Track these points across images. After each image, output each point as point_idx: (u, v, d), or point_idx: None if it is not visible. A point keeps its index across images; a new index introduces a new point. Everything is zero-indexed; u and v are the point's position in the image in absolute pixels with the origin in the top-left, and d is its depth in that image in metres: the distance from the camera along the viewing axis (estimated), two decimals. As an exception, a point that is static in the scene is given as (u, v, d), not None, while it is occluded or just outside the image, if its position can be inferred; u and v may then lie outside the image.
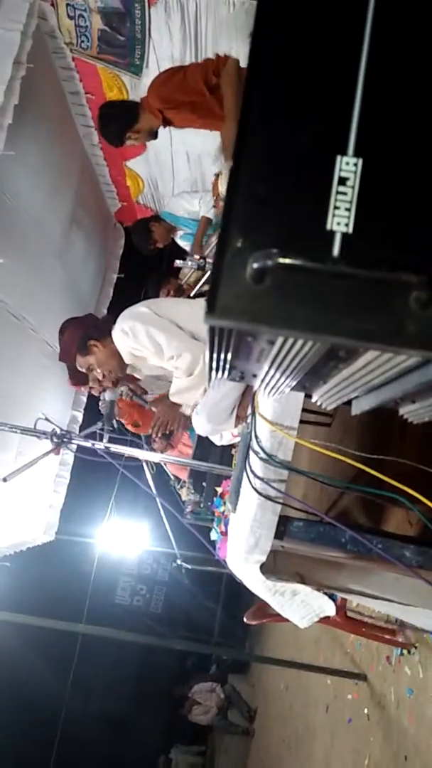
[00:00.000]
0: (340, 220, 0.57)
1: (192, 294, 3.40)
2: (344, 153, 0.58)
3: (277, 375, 0.81)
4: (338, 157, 0.58)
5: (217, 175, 2.98)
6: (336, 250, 0.56)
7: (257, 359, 0.78)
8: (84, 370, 2.70)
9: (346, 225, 0.57)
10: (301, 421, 1.75)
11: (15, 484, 2.51)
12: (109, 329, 2.53)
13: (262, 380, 0.87)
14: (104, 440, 2.45)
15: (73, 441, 2.27)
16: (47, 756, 8.78)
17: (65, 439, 2.24)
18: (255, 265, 0.54)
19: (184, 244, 4.38)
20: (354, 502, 3.65)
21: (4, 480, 2.09)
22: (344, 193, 0.58)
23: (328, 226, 0.57)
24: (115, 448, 2.36)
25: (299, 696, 5.80)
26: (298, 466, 1.80)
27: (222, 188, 2.87)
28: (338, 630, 4.14)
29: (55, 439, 2.22)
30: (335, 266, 0.55)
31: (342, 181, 0.58)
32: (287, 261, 0.54)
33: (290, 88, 0.59)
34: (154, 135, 3.03)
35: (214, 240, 3.45)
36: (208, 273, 3.09)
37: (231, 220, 0.57)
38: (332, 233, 0.57)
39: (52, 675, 8.93)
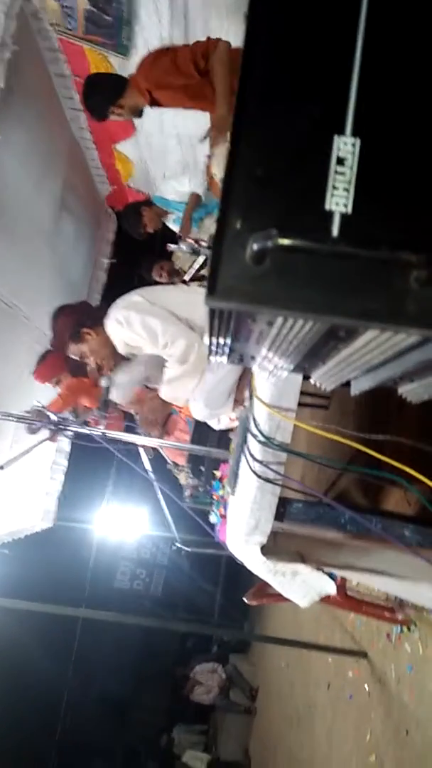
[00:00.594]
0: (339, 200, 0.57)
1: (187, 278, 3.38)
2: (342, 133, 0.58)
3: (276, 356, 0.80)
4: (336, 137, 0.57)
5: (210, 156, 2.94)
6: (335, 230, 0.56)
7: (256, 341, 0.78)
8: (76, 358, 2.69)
9: (345, 205, 0.56)
10: (299, 404, 1.75)
11: (12, 472, 2.52)
12: (103, 316, 2.51)
13: (261, 362, 0.87)
14: (101, 426, 2.45)
15: (69, 428, 2.27)
16: (51, 737, 8.91)
17: (61, 427, 2.23)
18: (255, 246, 0.54)
19: (177, 228, 4.35)
20: (352, 482, 3.66)
21: (1, 468, 2.09)
22: (342, 173, 0.57)
23: (327, 206, 0.56)
24: (112, 434, 2.36)
25: (300, 674, 5.88)
26: (296, 447, 1.80)
27: (215, 168, 2.83)
28: (338, 609, 4.19)
29: (51, 427, 2.22)
30: (335, 246, 0.55)
31: (340, 161, 0.57)
32: (287, 242, 0.53)
33: (287, 68, 0.58)
34: (138, 113, 2.99)
35: (208, 223, 3.42)
36: (202, 257, 3.07)
37: (230, 202, 0.56)
38: (331, 213, 0.56)
39: (53, 659, 9.02)
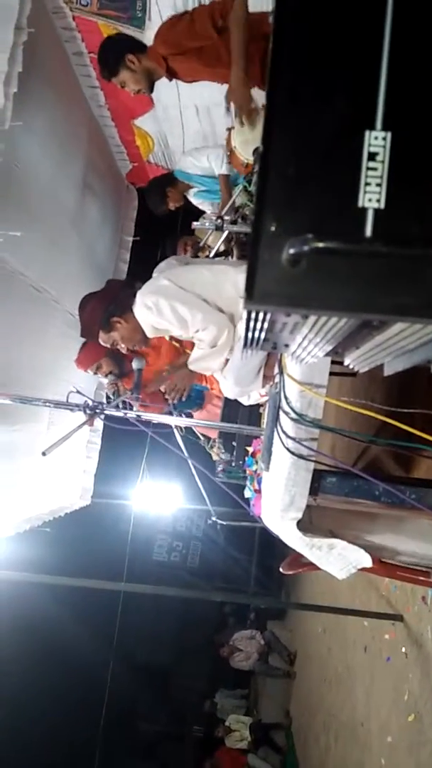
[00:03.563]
0: (372, 196, 0.57)
1: (211, 254, 3.37)
2: (372, 128, 0.58)
3: (311, 345, 0.82)
4: (367, 132, 0.58)
5: (230, 130, 2.90)
6: (369, 230, 0.56)
7: (290, 331, 0.79)
8: (108, 346, 2.72)
9: (378, 201, 0.57)
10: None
11: (52, 455, 2.58)
12: (131, 303, 2.51)
13: (295, 350, 0.89)
14: (134, 408, 2.49)
15: (105, 411, 2.32)
16: (98, 706, 9.24)
17: (97, 411, 2.28)
18: (291, 251, 0.55)
19: (198, 202, 4.32)
20: (383, 450, 3.67)
21: (43, 454, 2.15)
22: (374, 169, 0.57)
23: (360, 203, 0.57)
24: (146, 415, 2.41)
25: (337, 638, 5.97)
26: (325, 417, 1.81)
27: (235, 142, 2.80)
28: (372, 574, 4.22)
29: (88, 411, 2.27)
30: (369, 246, 0.56)
31: (372, 156, 0.57)
32: (323, 245, 0.54)
33: (315, 66, 0.59)
34: (150, 84, 2.92)
35: (233, 196, 3.38)
36: (226, 232, 3.06)
37: (263, 204, 0.57)
38: (364, 210, 0.57)
39: (97, 632, 9.32)
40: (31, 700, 8.98)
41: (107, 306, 2.60)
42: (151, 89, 2.96)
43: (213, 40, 2.69)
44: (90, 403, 2.28)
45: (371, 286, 0.56)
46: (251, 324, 0.68)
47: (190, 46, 2.74)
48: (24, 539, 4.61)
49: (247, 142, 2.69)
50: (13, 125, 3.01)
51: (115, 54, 2.84)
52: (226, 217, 3.04)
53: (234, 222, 2.99)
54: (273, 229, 0.57)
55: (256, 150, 2.58)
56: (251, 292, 0.56)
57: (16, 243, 3.33)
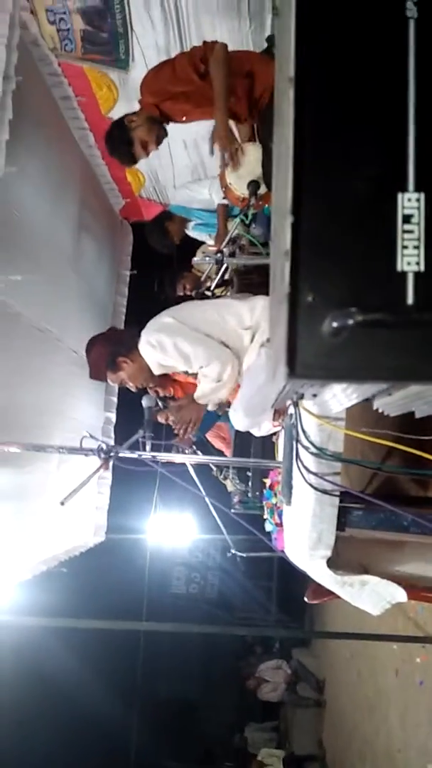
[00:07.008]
0: (410, 259, 0.55)
1: (212, 287, 3.37)
2: (405, 189, 0.56)
3: (342, 397, 0.79)
4: (399, 195, 0.55)
5: (223, 166, 2.93)
6: (410, 296, 0.54)
7: (321, 384, 0.76)
8: (116, 385, 2.74)
9: (417, 263, 0.55)
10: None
11: (62, 492, 2.55)
12: (136, 343, 2.53)
13: (326, 399, 0.86)
14: (147, 448, 2.47)
15: (119, 455, 2.30)
16: (125, 753, 9.00)
17: (112, 454, 2.26)
18: (334, 324, 0.52)
19: (196, 235, 4.35)
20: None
21: (62, 504, 2.13)
22: (411, 231, 0.55)
23: (399, 268, 0.55)
24: (160, 456, 2.39)
25: (366, 663, 5.85)
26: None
27: (229, 179, 2.82)
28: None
29: (102, 455, 2.25)
30: (413, 314, 0.53)
31: (407, 218, 0.55)
32: (367, 318, 0.52)
33: (340, 130, 0.56)
34: (162, 129, 2.98)
35: (229, 228, 3.40)
36: (226, 266, 3.07)
37: (298, 276, 0.55)
38: (404, 274, 0.55)
39: (119, 672, 9.12)
40: (54, 749, 8.76)
41: (112, 346, 2.62)
42: (164, 133, 3.01)
43: (196, 85, 2.76)
44: (104, 447, 2.25)
45: (415, 354, 0.53)
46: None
47: (175, 91, 2.82)
48: (40, 582, 4.53)
49: (241, 177, 2.73)
50: (7, 171, 3.05)
51: (120, 141, 2.96)
52: (225, 250, 3.05)
53: (232, 254, 3.00)
54: (310, 299, 0.54)
55: (250, 183, 2.63)
56: (293, 366, 0.53)
57: (17, 286, 3.35)
